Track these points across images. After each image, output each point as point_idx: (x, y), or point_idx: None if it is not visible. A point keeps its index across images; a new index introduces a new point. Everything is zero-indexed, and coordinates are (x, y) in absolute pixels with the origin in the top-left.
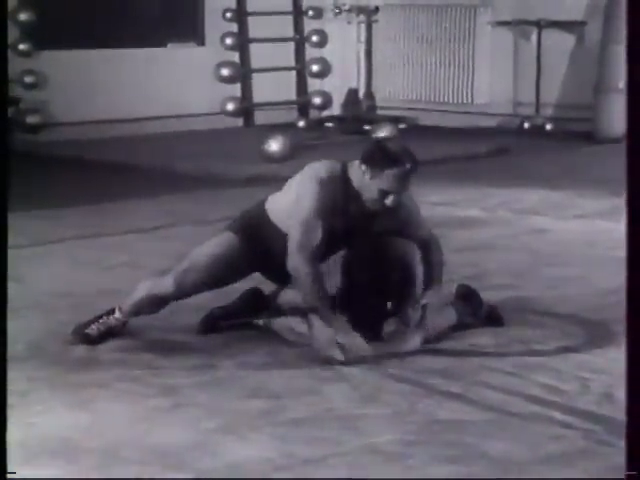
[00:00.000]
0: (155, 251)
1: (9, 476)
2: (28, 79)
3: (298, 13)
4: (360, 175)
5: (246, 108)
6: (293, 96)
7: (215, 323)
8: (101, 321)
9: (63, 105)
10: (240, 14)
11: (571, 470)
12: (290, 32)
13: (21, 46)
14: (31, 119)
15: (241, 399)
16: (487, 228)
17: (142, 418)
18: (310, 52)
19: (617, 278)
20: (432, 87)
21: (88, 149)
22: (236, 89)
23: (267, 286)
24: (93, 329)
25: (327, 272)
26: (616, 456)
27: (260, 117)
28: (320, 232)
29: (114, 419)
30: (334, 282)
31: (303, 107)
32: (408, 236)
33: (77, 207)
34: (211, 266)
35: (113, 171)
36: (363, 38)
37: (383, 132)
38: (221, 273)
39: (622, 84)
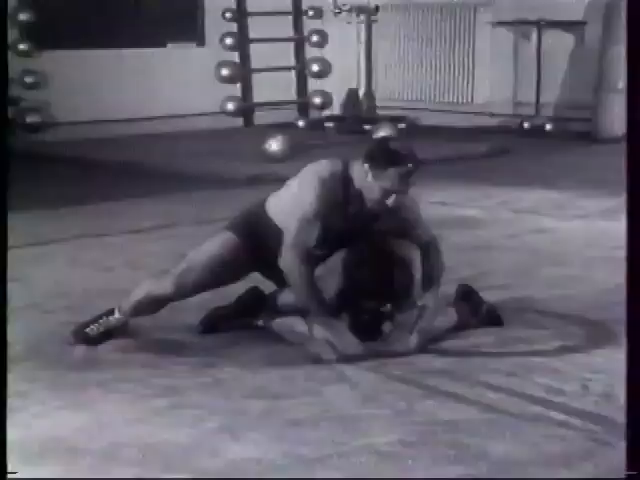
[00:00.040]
0: (155, 251)
1: (9, 476)
2: (28, 79)
3: (298, 13)
4: (362, 175)
5: (246, 108)
6: (293, 96)
7: (215, 323)
8: (101, 321)
9: (63, 105)
10: (240, 14)
11: (571, 470)
12: (290, 32)
13: (21, 46)
14: (31, 119)
15: (241, 399)
16: (487, 228)
17: (142, 418)
18: (310, 52)
19: (617, 278)
20: (432, 87)
21: (88, 149)
22: (236, 89)
23: (267, 286)
24: (93, 329)
25: (327, 272)
26: (616, 456)
27: (260, 117)
28: (316, 233)
29: (114, 419)
30: (334, 282)
31: (303, 107)
32: (409, 237)
33: (77, 207)
34: (210, 266)
35: (113, 171)
36: (363, 38)
37: (383, 132)
38: (220, 273)
39: (622, 84)
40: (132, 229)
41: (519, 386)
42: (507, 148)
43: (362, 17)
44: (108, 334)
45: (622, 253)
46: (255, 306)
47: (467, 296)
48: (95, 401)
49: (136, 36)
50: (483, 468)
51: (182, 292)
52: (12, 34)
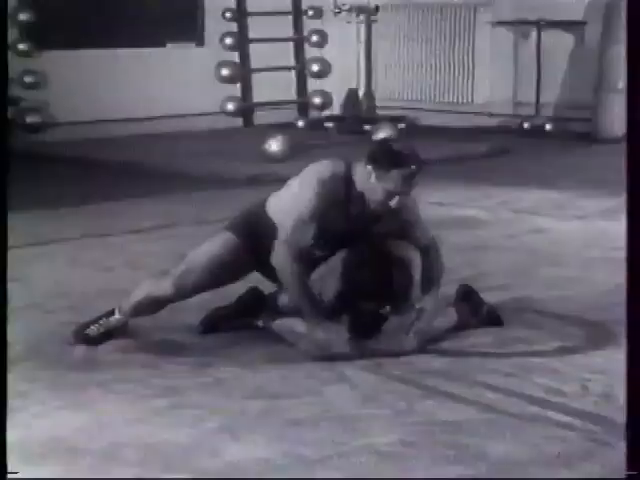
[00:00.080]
0: (155, 251)
1: (10, 476)
2: (28, 79)
3: (298, 13)
4: (365, 176)
5: (246, 108)
6: (293, 96)
7: (215, 323)
8: (101, 322)
9: (63, 105)
10: (240, 14)
11: (571, 471)
12: (290, 32)
13: (21, 46)
14: (31, 119)
15: (241, 399)
16: (487, 228)
17: (142, 418)
18: (310, 52)
19: (617, 278)
20: (432, 87)
21: (88, 149)
22: (236, 89)
23: (266, 286)
24: (93, 329)
25: (328, 273)
26: (616, 456)
27: (260, 117)
28: (312, 233)
29: (114, 419)
30: (334, 283)
31: (303, 107)
32: (409, 239)
33: (77, 207)
34: (210, 267)
35: (113, 171)
36: (363, 38)
37: (383, 132)
38: (220, 274)
39: (622, 84)
40: (132, 229)
41: (519, 386)
42: (507, 148)
43: (362, 17)
44: (108, 334)
45: (622, 253)
46: (255, 306)
47: (467, 296)
48: (95, 401)
49: (136, 36)
50: (483, 468)
51: (182, 293)
52: (12, 34)
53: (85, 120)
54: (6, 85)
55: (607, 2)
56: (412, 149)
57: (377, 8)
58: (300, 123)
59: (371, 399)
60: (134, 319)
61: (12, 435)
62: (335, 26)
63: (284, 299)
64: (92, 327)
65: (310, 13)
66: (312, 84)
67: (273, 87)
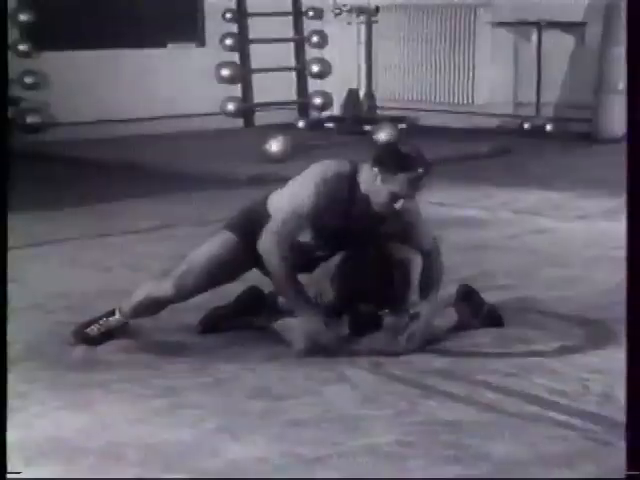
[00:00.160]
0: (155, 251)
1: (11, 476)
2: (28, 79)
3: (298, 13)
4: (371, 178)
5: (246, 108)
6: (293, 96)
7: (215, 323)
8: (101, 322)
9: (63, 105)
10: (240, 15)
11: (571, 470)
12: (290, 33)
13: (21, 46)
14: (31, 119)
15: (241, 399)
16: (487, 228)
17: (142, 418)
18: (310, 52)
19: (617, 278)
20: (432, 87)
21: (88, 149)
22: (236, 89)
23: (266, 286)
24: (93, 330)
25: (328, 273)
26: (616, 456)
27: (260, 117)
28: (303, 229)
29: (114, 419)
30: (334, 283)
31: (303, 107)
32: (410, 241)
33: (77, 207)
34: (209, 268)
35: (113, 171)
36: (363, 39)
37: (383, 132)
38: (220, 274)
39: (622, 85)
40: (132, 229)
41: (519, 386)
42: (507, 148)
43: (362, 17)
44: (108, 335)
45: (622, 253)
46: (254, 305)
47: (468, 296)
48: (95, 401)
49: (136, 36)
50: (483, 468)
51: (182, 294)
52: (12, 34)
53: (85, 120)
54: (6, 85)
55: (607, 3)
56: (419, 152)
57: (377, 9)
58: (300, 123)
59: (371, 399)
60: (134, 319)
61: (12, 435)
62: (335, 27)
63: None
64: (92, 327)
65: (310, 14)
66: (312, 84)
67: (273, 88)
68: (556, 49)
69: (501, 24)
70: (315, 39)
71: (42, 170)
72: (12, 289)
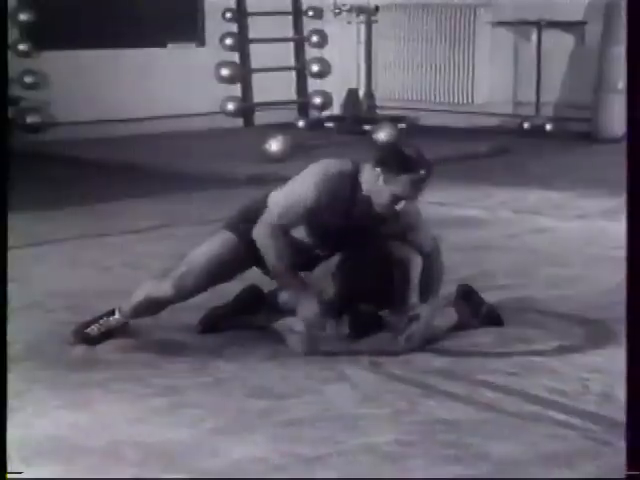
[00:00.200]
0: (155, 251)
1: (13, 475)
2: (28, 79)
3: (298, 13)
4: (373, 178)
5: (246, 108)
6: (293, 96)
7: (214, 323)
8: (101, 322)
9: (63, 105)
10: (240, 14)
11: (571, 470)
12: (290, 32)
13: (21, 46)
14: (31, 119)
15: (241, 399)
16: (487, 228)
17: (142, 418)
18: (310, 52)
19: (617, 278)
20: (432, 87)
21: (88, 149)
22: (236, 89)
23: (266, 285)
24: (93, 329)
25: (328, 272)
26: (616, 456)
27: (260, 117)
28: (298, 224)
29: (114, 419)
30: (334, 282)
31: (303, 107)
32: (410, 242)
33: (77, 207)
34: (209, 268)
35: (113, 171)
36: (363, 38)
37: (383, 132)
38: (219, 273)
39: (622, 84)
40: (132, 229)
41: (519, 386)
42: (507, 148)
43: (362, 17)
44: (108, 334)
45: (622, 253)
46: (254, 304)
47: (467, 296)
48: (95, 401)
49: (136, 36)
50: (483, 468)
51: (182, 295)
52: (12, 34)
53: (85, 120)
54: (6, 85)
55: (607, 2)
56: (422, 154)
57: (377, 8)
58: (300, 123)
59: (371, 398)
60: (134, 319)
61: (12, 435)
62: (335, 26)
63: (284, 296)
64: (92, 327)
65: (310, 13)
66: (312, 84)
67: (273, 87)
68: (556, 48)
69: (501, 24)
70: (315, 39)
71: (42, 170)
72: (12, 289)
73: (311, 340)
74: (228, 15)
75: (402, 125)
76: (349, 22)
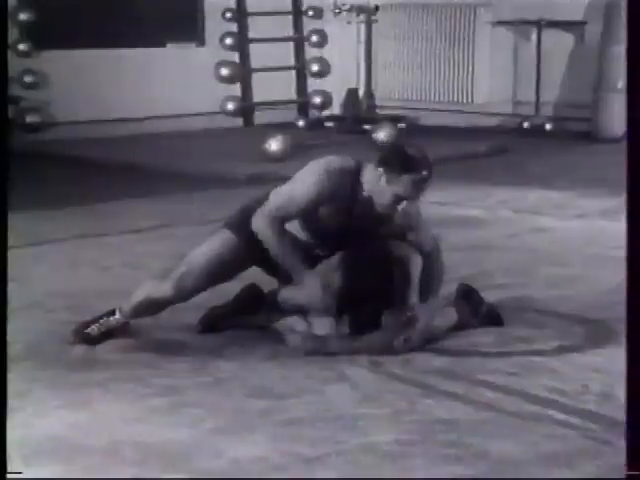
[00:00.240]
0: (154, 251)
1: (13, 475)
2: (28, 79)
3: (298, 13)
4: (374, 178)
5: (246, 108)
6: (293, 96)
7: (214, 322)
8: (102, 321)
9: (63, 105)
10: (240, 14)
11: (571, 470)
12: (290, 32)
13: (21, 46)
14: (31, 118)
15: (241, 399)
16: (487, 227)
17: (142, 418)
18: (310, 52)
19: (617, 277)
20: (432, 87)
21: (88, 149)
22: (236, 89)
23: (265, 284)
24: (94, 329)
25: (328, 271)
26: (616, 456)
27: (260, 117)
28: (296, 217)
29: (114, 419)
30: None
31: (303, 107)
32: (411, 242)
33: (77, 207)
34: (209, 268)
35: (113, 171)
36: (363, 38)
37: (383, 132)
38: (219, 273)
39: (622, 84)
40: (132, 229)
41: (519, 385)
42: (507, 148)
43: (362, 17)
44: (108, 334)
45: (622, 253)
46: (253, 303)
47: (467, 295)
48: (95, 400)
49: (136, 36)
50: (483, 467)
51: (182, 295)
52: (12, 34)
53: (85, 120)
54: (6, 85)
55: (607, 2)
56: (425, 154)
57: (377, 8)
58: (300, 123)
59: (371, 398)
60: (134, 319)
61: (12, 435)
62: (335, 26)
63: (284, 295)
64: (92, 327)
65: (310, 13)
66: (312, 84)
67: (273, 87)
68: (556, 48)
69: (501, 23)
70: (315, 38)
71: (42, 170)
72: (12, 288)
73: (311, 339)
74: (228, 15)
75: (402, 125)
76: (349, 22)
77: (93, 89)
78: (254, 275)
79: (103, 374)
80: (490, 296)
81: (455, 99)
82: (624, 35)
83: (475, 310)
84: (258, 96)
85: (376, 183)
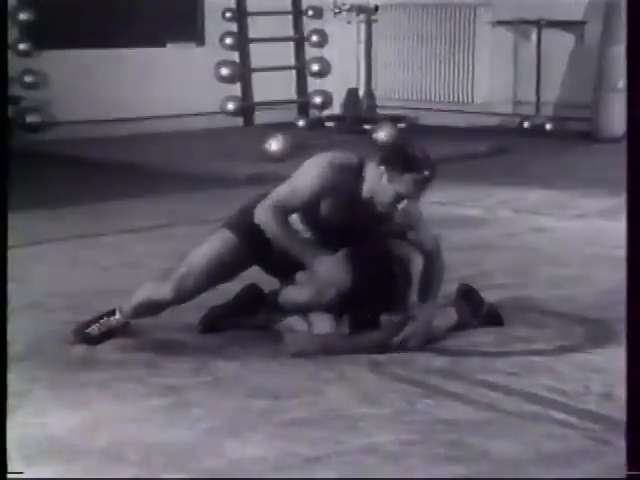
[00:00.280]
0: (154, 250)
1: (13, 476)
2: (28, 79)
3: (298, 13)
4: (376, 176)
5: (246, 107)
6: (293, 95)
7: (214, 322)
8: (102, 321)
9: (63, 104)
10: (240, 14)
11: (571, 470)
12: (290, 32)
13: (21, 46)
14: (31, 118)
15: (241, 399)
16: (487, 227)
17: (142, 418)
18: (310, 52)
19: (617, 277)
20: (432, 87)
21: (88, 148)
22: (236, 88)
23: (265, 283)
24: (94, 329)
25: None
26: (616, 456)
27: (260, 117)
28: (299, 209)
29: (114, 419)
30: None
31: (303, 106)
32: (411, 242)
33: (77, 207)
34: (209, 269)
35: (113, 171)
36: (363, 38)
37: (383, 132)
38: (219, 274)
39: (622, 83)
40: (132, 229)
41: (519, 385)
42: (507, 147)
43: (362, 17)
44: (109, 334)
45: (622, 252)
46: (253, 303)
47: (468, 295)
48: (95, 400)
49: (136, 36)
50: (483, 467)
51: (182, 297)
52: (12, 34)
53: (85, 120)
54: (6, 84)
55: (607, 1)
56: (427, 154)
57: (377, 8)
58: (300, 123)
59: (371, 398)
60: (135, 319)
61: (12, 435)
62: (335, 26)
63: (285, 295)
64: (93, 327)
65: (310, 13)
66: (312, 84)
67: (273, 87)
68: (556, 48)
69: (501, 23)
70: (315, 38)
71: (42, 169)
72: (12, 288)
73: (308, 342)
74: (228, 14)
75: (402, 125)
76: (349, 22)
77: (93, 89)
78: (254, 275)
79: (103, 374)
80: (490, 296)
81: (455, 99)
82: (624, 35)
83: (475, 310)
84: (258, 96)
85: (377, 181)
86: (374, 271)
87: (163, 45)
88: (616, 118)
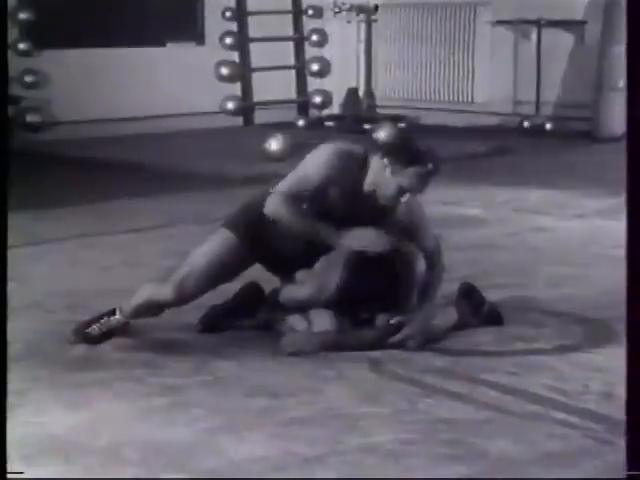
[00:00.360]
0: (155, 251)
1: (13, 475)
2: (28, 78)
3: (298, 12)
4: (380, 169)
5: (246, 107)
6: (293, 95)
7: (215, 321)
8: (102, 321)
9: (63, 104)
10: (240, 13)
11: (571, 469)
12: (290, 31)
13: (21, 46)
14: (31, 118)
15: (241, 398)
16: (487, 227)
17: (142, 418)
18: (310, 51)
19: (617, 277)
20: (432, 86)
21: (88, 148)
22: (236, 88)
23: (264, 283)
24: (94, 329)
25: (329, 265)
26: (616, 455)
27: (260, 116)
28: (309, 192)
29: (114, 419)
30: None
31: (303, 106)
32: (413, 241)
33: (77, 207)
34: (210, 270)
35: (113, 170)
36: (363, 37)
37: (383, 131)
38: (220, 275)
39: (622, 83)
40: (132, 228)
41: (519, 385)
42: (507, 147)
43: (362, 16)
44: (109, 334)
45: (622, 252)
46: (253, 302)
47: (468, 294)
48: (95, 400)
49: (136, 35)
50: (483, 466)
51: (183, 298)
52: (12, 33)
53: (85, 119)
54: (6, 84)
55: (607, 1)
56: (431, 148)
57: (377, 7)
58: (300, 122)
59: (371, 397)
60: (135, 319)
61: (12, 434)
62: (335, 25)
63: (285, 293)
64: (93, 326)
65: (310, 12)
66: (312, 83)
67: (273, 86)
68: (556, 47)
69: (501, 22)
70: (315, 38)
71: (42, 169)
72: (12, 288)
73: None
74: (228, 14)
75: (402, 124)
76: (349, 21)
77: (93, 88)
78: (254, 274)
79: (103, 374)
80: (490, 295)
81: (455, 99)
82: (624, 35)
83: (476, 309)
84: (258, 95)
85: (381, 174)
86: (376, 269)
87: (163, 45)
88: (616, 118)
